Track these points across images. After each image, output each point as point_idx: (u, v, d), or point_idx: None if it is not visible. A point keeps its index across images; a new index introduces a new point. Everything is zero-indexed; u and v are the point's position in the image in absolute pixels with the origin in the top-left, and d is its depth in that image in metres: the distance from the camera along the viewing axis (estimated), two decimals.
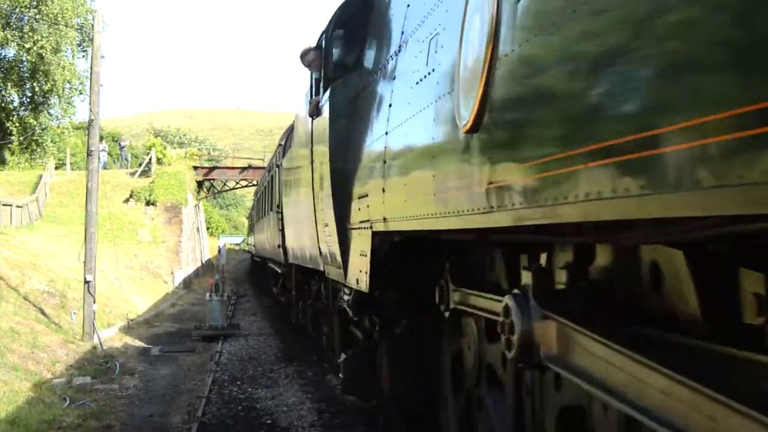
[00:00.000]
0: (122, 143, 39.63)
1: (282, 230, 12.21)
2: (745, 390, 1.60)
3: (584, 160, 1.79)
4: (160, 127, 79.10)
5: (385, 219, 4.06)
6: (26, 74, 28.94)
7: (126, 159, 38.66)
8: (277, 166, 14.17)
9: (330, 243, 6.08)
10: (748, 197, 1.24)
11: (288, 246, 11.08)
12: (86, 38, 27.93)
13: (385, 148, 4.15)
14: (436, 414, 5.00)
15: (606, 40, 1.73)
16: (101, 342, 13.23)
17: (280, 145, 14.61)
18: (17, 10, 27.73)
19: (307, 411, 8.83)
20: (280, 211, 12.67)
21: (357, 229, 5.04)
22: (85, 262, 13.96)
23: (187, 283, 28.43)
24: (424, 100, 3.39)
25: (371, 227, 4.46)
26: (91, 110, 14.40)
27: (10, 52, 28.71)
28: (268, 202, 17.53)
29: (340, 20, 6.14)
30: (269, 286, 22.72)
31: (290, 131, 12.64)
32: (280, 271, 15.68)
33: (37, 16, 27.31)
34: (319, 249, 6.94)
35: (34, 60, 27.81)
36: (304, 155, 7.68)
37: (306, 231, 7.98)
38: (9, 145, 29.82)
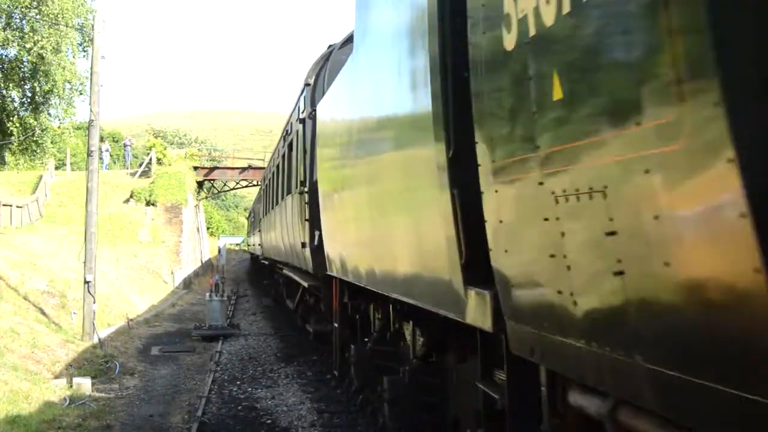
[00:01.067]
0: (126, 143, 39.75)
1: (310, 220, 8.58)
2: None
3: None
4: (160, 127, 79.13)
5: None
6: (27, 74, 28.95)
7: (128, 158, 38.75)
8: (302, 120, 9.87)
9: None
10: None
11: (328, 247, 7.25)
12: (86, 38, 27.93)
13: None
14: None
15: None
16: (101, 342, 13.23)
17: (307, 85, 9.90)
18: (18, 10, 27.75)
19: (307, 411, 8.83)
20: (307, 191, 8.95)
21: None
22: (85, 262, 13.96)
23: (187, 283, 28.45)
24: None
25: None
26: (91, 110, 14.42)
27: (11, 52, 28.74)
28: (282, 184, 12.92)
29: None
30: (278, 295, 19.53)
31: (326, 59, 9.67)
32: (306, 284, 10.49)
33: (38, 16, 27.32)
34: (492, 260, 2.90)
35: (34, 60, 27.82)
36: (402, 54, 4.09)
37: (402, 221, 4.37)
38: (9, 146, 29.81)
